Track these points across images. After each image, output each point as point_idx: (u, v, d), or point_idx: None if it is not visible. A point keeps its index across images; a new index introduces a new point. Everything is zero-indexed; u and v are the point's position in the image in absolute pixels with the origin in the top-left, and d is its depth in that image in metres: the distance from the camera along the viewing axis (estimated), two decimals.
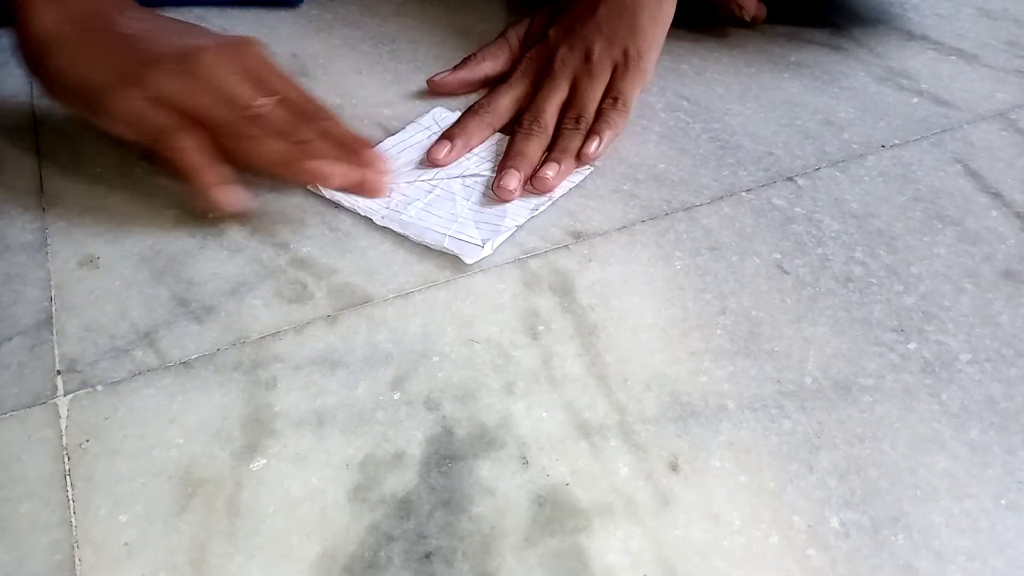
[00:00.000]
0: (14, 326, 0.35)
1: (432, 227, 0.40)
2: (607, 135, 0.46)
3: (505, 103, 0.48)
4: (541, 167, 0.43)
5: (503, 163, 0.44)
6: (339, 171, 0.39)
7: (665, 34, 0.50)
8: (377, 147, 0.46)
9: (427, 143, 0.46)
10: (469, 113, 0.47)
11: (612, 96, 0.47)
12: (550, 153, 0.45)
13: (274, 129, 0.39)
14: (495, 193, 0.42)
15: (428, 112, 0.49)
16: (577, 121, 0.46)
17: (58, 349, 0.34)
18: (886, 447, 0.31)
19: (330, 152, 0.39)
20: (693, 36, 0.59)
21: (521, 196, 0.42)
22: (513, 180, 0.42)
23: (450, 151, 0.44)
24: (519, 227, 0.40)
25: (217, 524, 0.28)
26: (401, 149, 0.46)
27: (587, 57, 0.48)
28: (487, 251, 0.39)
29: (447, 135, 0.45)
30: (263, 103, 0.39)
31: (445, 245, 0.39)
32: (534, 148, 0.45)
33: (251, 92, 0.39)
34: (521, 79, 0.49)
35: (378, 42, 0.58)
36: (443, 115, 0.49)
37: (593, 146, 0.45)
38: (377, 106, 0.50)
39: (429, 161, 0.44)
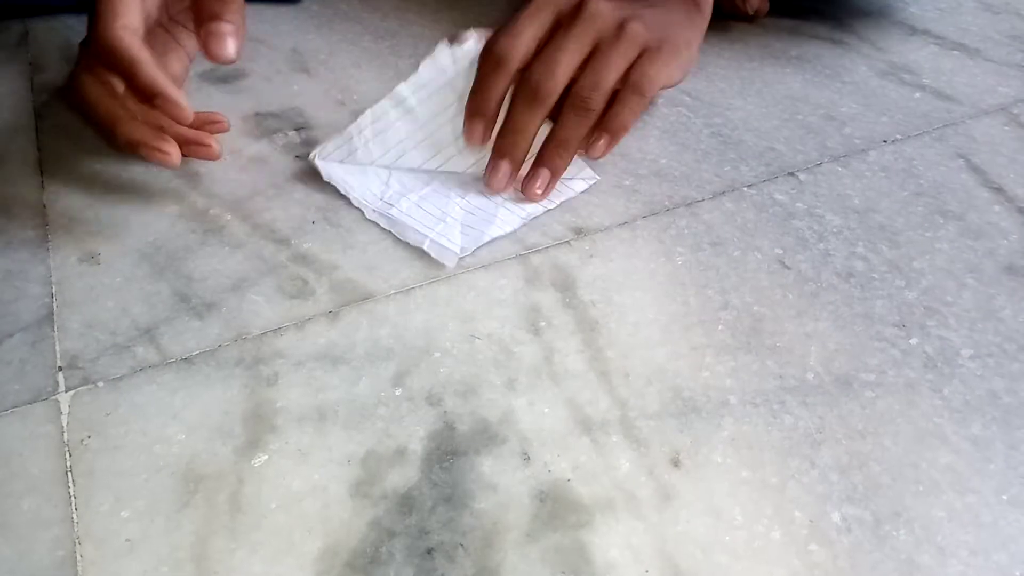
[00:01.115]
0: (15, 322, 0.35)
1: (417, 226, 0.39)
2: (619, 133, 0.40)
3: (521, 55, 0.40)
4: (531, 176, 0.41)
5: (497, 143, 0.41)
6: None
7: (694, 62, 0.44)
8: (393, 92, 0.42)
9: (447, 90, 0.42)
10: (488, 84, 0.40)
11: (634, 79, 0.40)
12: (545, 148, 0.41)
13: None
14: (485, 184, 0.41)
15: (439, 48, 0.42)
16: (586, 101, 0.39)
17: (59, 345, 0.34)
18: (888, 442, 0.31)
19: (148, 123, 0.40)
20: None
21: (517, 198, 0.42)
22: (502, 177, 0.41)
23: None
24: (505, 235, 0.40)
25: (219, 520, 0.28)
26: (420, 100, 0.42)
27: (622, 24, 0.40)
28: (465, 253, 0.39)
29: (476, 113, 0.40)
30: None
31: (425, 247, 0.39)
32: (532, 121, 0.40)
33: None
34: (538, 15, 0.41)
35: (379, 37, 0.58)
36: (460, 54, 0.42)
37: (599, 148, 0.41)
38: (378, 101, 0.50)
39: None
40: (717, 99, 0.51)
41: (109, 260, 0.38)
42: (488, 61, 0.40)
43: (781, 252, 0.40)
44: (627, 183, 0.44)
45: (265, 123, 0.47)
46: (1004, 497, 0.29)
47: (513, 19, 0.41)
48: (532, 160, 0.42)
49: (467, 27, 0.58)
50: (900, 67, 0.56)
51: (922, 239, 0.41)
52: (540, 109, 0.40)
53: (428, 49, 0.49)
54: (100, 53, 0.37)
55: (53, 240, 0.39)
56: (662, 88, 0.41)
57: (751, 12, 0.59)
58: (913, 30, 0.61)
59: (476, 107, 0.41)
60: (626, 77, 0.40)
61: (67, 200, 0.41)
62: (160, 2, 0.41)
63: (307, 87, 0.52)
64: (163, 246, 0.38)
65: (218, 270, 0.37)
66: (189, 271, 0.37)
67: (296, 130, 0.47)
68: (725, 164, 0.45)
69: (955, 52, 0.58)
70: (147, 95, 0.36)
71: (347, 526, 0.28)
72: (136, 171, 0.43)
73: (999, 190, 0.44)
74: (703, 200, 0.43)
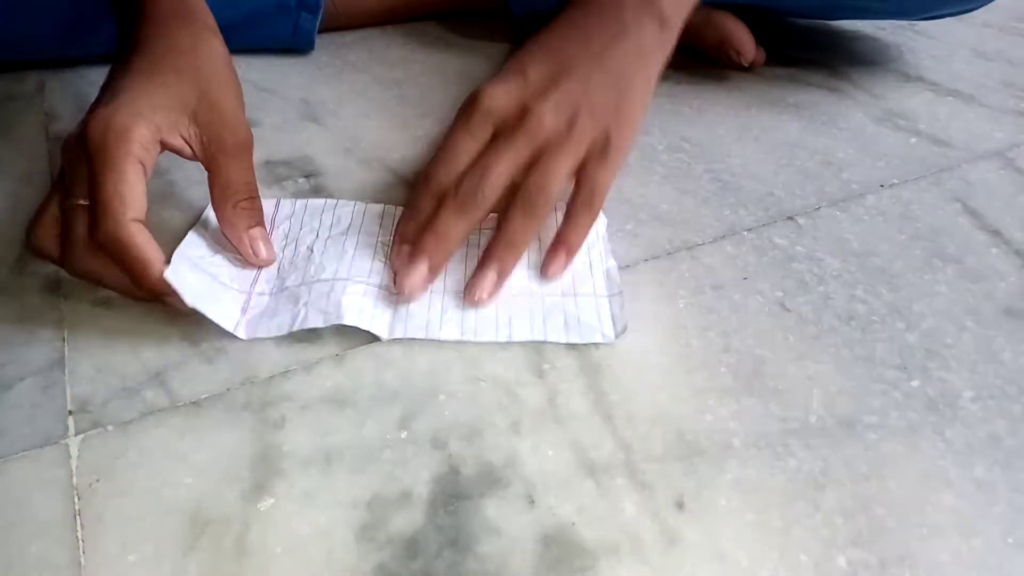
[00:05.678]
0: (27, 367, 0.35)
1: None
2: (575, 248, 0.39)
3: (456, 181, 0.38)
4: (476, 277, 0.38)
5: (420, 241, 0.38)
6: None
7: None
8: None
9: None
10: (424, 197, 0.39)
11: (587, 186, 0.39)
12: (493, 247, 0.38)
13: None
14: (396, 286, 0.37)
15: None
16: (534, 204, 0.38)
17: (70, 390, 0.34)
18: (892, 485, 0.31)
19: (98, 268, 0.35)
20: (693, 79, 0.61)
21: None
22: (418, 280, 0.37)
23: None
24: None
25: (225, 564, 0.28)
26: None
27: (570, 124, 0.39)
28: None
29: (405, 240, 0.39)
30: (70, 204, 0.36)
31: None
32: (459, 230, 0.38)
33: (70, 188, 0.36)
34: (475, 131, 0.39)
35: (386, 88, 0.60)
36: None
37: (560, 264, 0.39)
38: (386, 150, 0.51)
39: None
40: (716, 145, 0.52)
41: (122, 304, 0.38)
42: (423, 190, 0.39)
43: (782, 295, 0.40)
44: (628, 227, 0.45)
45: (276, 171, 0.48)
46: (1009, 540, 0.29)
47: (448, 139, 0.40)
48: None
49: (472, 77, 0.60)
50: (896, 113, 0.57)
51: (921, 282, 0.41)
52: (469, 219, 0.38)
53: (434, 98, 0.50)
54: (104, 243, 0.34)
55: (67, 285, 0.39)
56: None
57: (746, 64, 0.60)
58: (908, 77, 0.62)
59: (405, 234, 0.39)
60: (577, 180, 0.39)
61: None
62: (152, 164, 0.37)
63: (316, 136, 0.53)
64: None
65: None
66: (199, 315, 0.38)
67: (306, 177, 0.48)
68: (725, 209, 0.46)
69: (950, 98, 0.59)
70: (152, 295, 0.35)
71: (352, 570, 0.28)
72: (152, 213, 0.44)
73: (996, 233, 0.45)
74: (704, 244, 0.43)
